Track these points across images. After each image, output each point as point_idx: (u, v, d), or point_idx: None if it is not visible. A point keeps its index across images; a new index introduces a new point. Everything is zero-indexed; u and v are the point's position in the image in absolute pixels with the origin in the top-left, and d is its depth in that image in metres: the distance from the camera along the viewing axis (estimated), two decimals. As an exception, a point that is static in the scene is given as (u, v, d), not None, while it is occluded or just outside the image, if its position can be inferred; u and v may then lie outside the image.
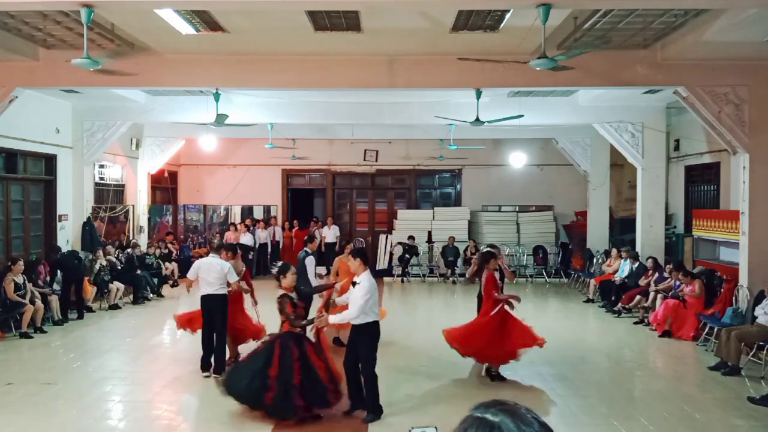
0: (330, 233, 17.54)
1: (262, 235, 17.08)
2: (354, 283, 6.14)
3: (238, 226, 16.76)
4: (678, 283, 10.20)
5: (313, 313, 6.94)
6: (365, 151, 18.49)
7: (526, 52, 8.31)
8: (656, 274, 11.19)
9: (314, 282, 8.60)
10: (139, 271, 12.99)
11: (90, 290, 11.61)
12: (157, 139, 15.98)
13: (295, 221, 18.27)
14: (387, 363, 8.20)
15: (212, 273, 7.52)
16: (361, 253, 6.26)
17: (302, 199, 20.02)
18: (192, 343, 9.85)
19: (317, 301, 7.97)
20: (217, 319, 7.54)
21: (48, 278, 11.01)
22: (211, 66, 9.33)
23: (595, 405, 6.65)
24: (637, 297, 11.02)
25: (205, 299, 7.55)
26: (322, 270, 17.26)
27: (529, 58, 6.82)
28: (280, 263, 6.68)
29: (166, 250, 15.19)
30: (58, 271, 11.15)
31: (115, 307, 11.98)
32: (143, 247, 14.37)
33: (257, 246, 16.81)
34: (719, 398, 6.94)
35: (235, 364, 6.78)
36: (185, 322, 8.35)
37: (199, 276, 7.61)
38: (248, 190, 18.53)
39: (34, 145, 11.81)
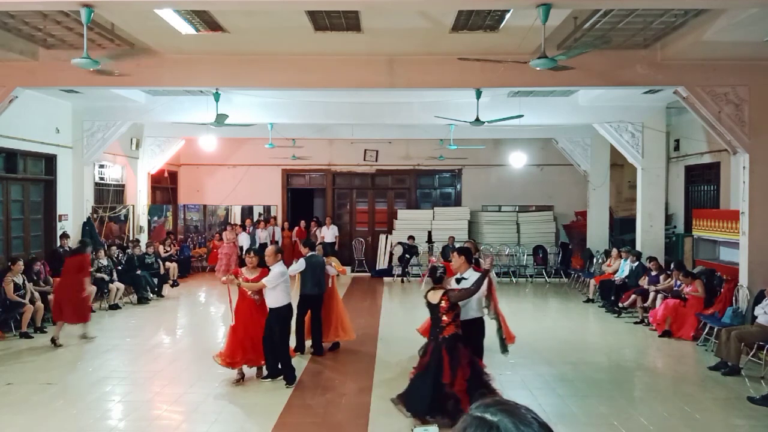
0: (329, 233, 17.55)
1: (262, 235, 17.08)
2: (459, 280, 6.32)
3: (236, 228, 16.74)
4: (678, 282, 10.20)
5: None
6: (365, 151, 18.49)
7: (526, 52, 8.31)
8: (646, 277, 11.24)
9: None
10: (139, 271, 12.99)
11: None
12: (157, 139, 15.99)
13: (302, 221, 18.22)
14: (387, 363, 8.23)
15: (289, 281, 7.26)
16: (467, 252, 6.61)
17: (302, 199, 20.02)
18: (192, 343, 9.87)
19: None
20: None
21: (48, 278, 11.03)
22: (211, 66, 9.33)
23: (595, 405, 6.65)
24: (633, 296, 11.03)
25: (286, 309, 7.23)
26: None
27: (529, 58, 6.81)
28: (442, 267, 6.50)
29: (166, 253, 15.20)
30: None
31: (115, 307, 11.98)
32: (143, 247, 14.37)
33: (257, 246, 16.80)
34: (719, 398, 6.94)
35: (411, 383, 6.11)
36: (234, 359, 7.34)
37: (283, 287, 7.15)
38: (248, 190, 18.55)
39: (34, 145, 11.81)
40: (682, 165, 14.23)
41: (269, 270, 7.18)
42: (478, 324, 6.42)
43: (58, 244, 11.96)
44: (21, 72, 9.05)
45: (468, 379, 5.79)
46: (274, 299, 7.12)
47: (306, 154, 17.85)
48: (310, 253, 8.69)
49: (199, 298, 13.99)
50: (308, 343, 8.71)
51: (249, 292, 7.26)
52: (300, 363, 8.16)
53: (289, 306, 7.23)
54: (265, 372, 7.44)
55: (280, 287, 7.09)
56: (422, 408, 5.82)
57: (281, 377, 7.24)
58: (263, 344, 7.19)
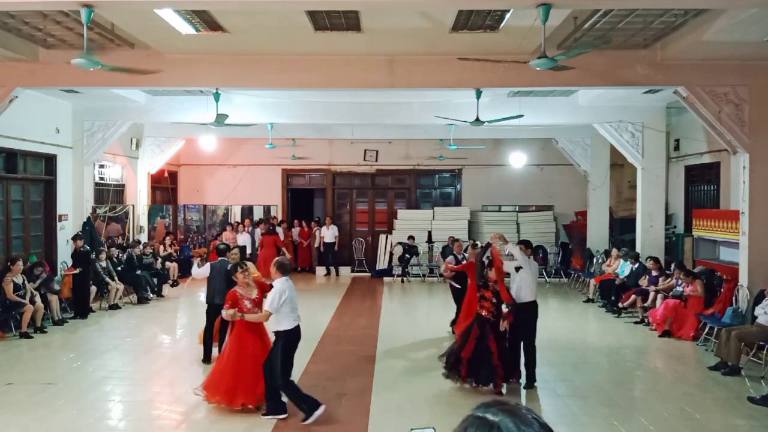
0: (329, 233, 17.56)
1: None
2: (518, 269, 7.15)
3: (237, 227, 16.75)
4: (679, 281, 10.20)
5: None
6: (365, 151, 18.49)
7: (526, 52, 8.31)
8: (646, 277, 11.23)
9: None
10: (139, 272, 12.99)
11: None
12: (157, 139, 15.99)
13: (302, 221, 18.22)
14: (387, 363, 8.24)
15: (295, 298, 6.12)
16: (531, 245, 7.54)
17: (302, 199, 20.02)
18: (192, 343, 9.87)
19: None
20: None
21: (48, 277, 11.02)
22: (211, 66, 9.33)
23: (595, 405, 6.65)
24: (632, 297, 11.03)
25: (291, 334, 6.03)
26: (322, 270, 17.39)
27: (529, 58, 6.81)
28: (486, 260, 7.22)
29: (166, 253, 15.20)
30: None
31: (115, 307, 11.98)
32: (141, 246, 14.35)
33: (257, 246, 16.85)
34: (719, 398, 6.94)
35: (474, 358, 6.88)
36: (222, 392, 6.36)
37: (284, 309, 5.97)
38: (248, 190, 18.55)
39: (34, 145, 11.81)
40: (682, 165, 14.23)
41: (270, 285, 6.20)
42: (531, 307, 7.14)
43: (74, 246, 11.74)
44: (21, 72, 9.05)
45: (472, 354, 6.84)
46: (275, 320, 6.03)
47: (306, 154, 17.85)
48: (219, 259, 7.99)
49: (199, 298, 13.96)
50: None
51: (255, 310, 6.34)
52: (297, 364, 8.13)
53: (294, 331, 6.04)
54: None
55: (283, 307, 5.96)
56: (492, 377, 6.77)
57: (285, 415, 6.10)
58: (263, 369, 6.15)
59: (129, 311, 12.01)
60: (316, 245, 17.79)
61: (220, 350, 7.33)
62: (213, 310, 7.89)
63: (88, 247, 11.78)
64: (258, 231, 17.08)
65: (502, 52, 8.51)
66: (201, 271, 8.09)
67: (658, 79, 9.16)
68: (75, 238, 11.75)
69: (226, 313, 6.28)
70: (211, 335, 8.07)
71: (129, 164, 15.49)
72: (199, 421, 6.24)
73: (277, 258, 6.43)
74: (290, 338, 6.02)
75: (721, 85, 8.94)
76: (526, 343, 7.20)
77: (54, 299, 10.53)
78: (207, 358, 8.03)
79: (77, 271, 11.22)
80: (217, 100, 10.85)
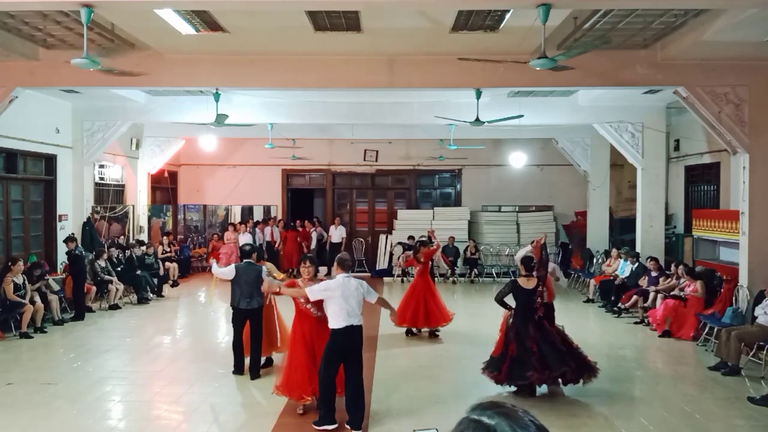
0: (336, 233, 17.53)
1: (261, 235, 17.12)
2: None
3: (238, 227, 16.75)
4: (681, 280, 10.19)
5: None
6: (365, 151, 18.48)
7: (526, 52, 8.30)
8: (646, 277, 11.22)
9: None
10: (139, 272, 12.98)
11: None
12: (157, 139, 15.99)
13: (306, 222, 18.17)
14: (387, 364, 8.23)
15: (353, 298, 5.84)
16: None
17: (302, 199, 20.01)
18: (192, 343, 9.87)
19: None
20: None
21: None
22: (211, 66, 9.33)
23: (595, 405, 6.64)
24: (634, 297, 11.02)
25: (336, 335, 5.80)
26: (323, 270, 17.37)
27: (529, 58, 6.81)
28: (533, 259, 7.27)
29: (167, 253, 15.19)
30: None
31: (115, 307, 11.97)
32: (143, 247, 14.36)
33: (258, 246, 16.85)
34: (719, 398, 6.94)
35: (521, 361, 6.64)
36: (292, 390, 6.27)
37: (333, 306, 5.75)
38: (248, 190, 18.53)
39: (34, 145, 11.81)
40: (682, 165, 14.22)
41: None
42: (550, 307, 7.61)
43: (67, 248, 11.60)
44: (21, 72, 9.05)
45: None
46: (330, 316, 5.87)
47: (306, 154, 17.83)
48: (245, 261, 7.55)
49: (199, 298, 13.98)
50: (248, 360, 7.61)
51: (310, 308, 6.14)
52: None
53: (340, 331, 5.76)
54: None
55: (331, 304, 5.77)
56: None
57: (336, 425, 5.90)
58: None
59: (129, 311, 12.01)
60: (312, 246, 17.73)
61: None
62: (239, 315, 7.44)
63: (81, 249, 11.71)
64: (258, 231, 17.08)
65: (502, 52, 8.50)
66: (224, 271, 7.61)
67: (658, 79, 9.15)
68: (67, 240, 11.58)
69: (266, 284, 6.70)
70: (241, 345, 7.51)
71: (129, 164, 15.49)
72: (199, 421, 6.24)
73: (339, 254, 6.28)
74: (333, 337, 5.82)
75: (721, 85, 8.94)
76: None
77: (54, 299, 10.53)
78: (239, 369, 7.52)
79: (64, 275, 11.19)
80: (217, 100, 10.84)
